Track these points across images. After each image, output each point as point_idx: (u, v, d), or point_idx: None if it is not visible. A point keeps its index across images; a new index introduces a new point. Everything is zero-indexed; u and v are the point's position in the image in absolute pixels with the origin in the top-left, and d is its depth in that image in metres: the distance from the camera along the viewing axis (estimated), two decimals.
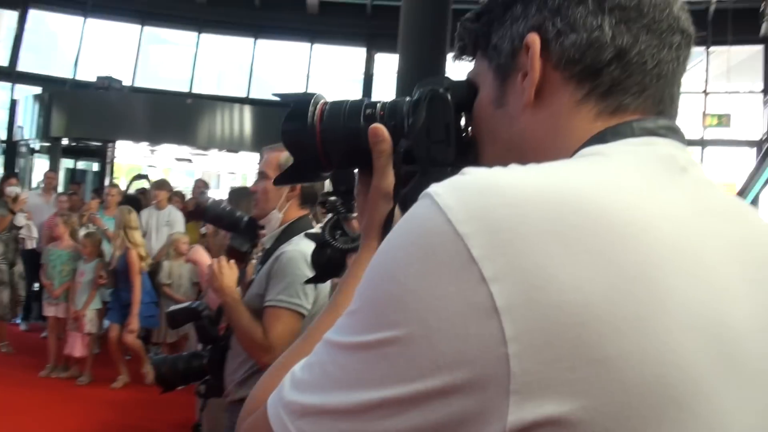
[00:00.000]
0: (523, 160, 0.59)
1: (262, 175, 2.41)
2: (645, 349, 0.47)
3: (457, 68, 0.81)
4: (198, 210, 2.53)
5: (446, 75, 0.81)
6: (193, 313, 2.51)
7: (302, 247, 2.24)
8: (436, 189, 0.54)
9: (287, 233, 2.35)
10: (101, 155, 11.47)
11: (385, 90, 14.76)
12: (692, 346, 0.49)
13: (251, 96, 14.69)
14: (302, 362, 0.60)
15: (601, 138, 0.63)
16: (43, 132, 11.69)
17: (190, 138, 11.57)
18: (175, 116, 11.49)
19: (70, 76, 13.47)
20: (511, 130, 0.70)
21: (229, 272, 2.26)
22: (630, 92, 0.65)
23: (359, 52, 15.41)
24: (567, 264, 0.48)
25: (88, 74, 12.97)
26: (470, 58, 0.79)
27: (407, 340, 0.50)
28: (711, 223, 0.57)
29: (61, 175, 11.61)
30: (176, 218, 6.95)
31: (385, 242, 0.56)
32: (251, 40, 15.13)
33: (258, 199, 2.41)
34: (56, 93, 12.19)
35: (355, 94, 14.70)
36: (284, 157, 2.34)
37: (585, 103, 0.66)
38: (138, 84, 14.11)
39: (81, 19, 13.92)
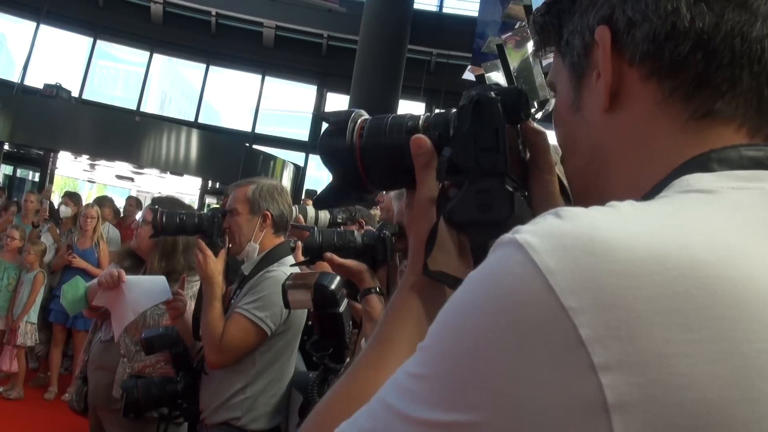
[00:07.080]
0: (605, 172, 0.57)
1: (232, 211, 2.50)
2: None
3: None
4: (156, 228, 2.55)
5: (496, 83, 0.82)
6: (171, 339, 2.54)
7: (288, 270, 2.31)
8: (529, 239, 0.44)
9: (266, 260, 2.45)
10: (42, 164, 11.25)
11: None
12: None
13: (200, 121, 14.76)
14: (354, 422, 0.52)
15: (704, 165, 0.53)
16: None
17: (134, 156, 11.47)
18: (120, 133, 11.36)
19: (18, 81, 13.18)
20: (591, 139, 0.63)
21: (213, 261, 2.34)
22: (719, 90, 0.55)
23: (310, 90, 15.69)
24: (688, 354, 0.40)
25: (36, 80, 12.72)
26: (547, 54, 0.70)
27: (489, 429, 0.42)
28: None
29: None
30: (114, 236, 6.82)
31: (463, 296, 0.47)
32: (203, 65, 15.22)
33: (232, 235, 2.47)
34: (2, 97, 11.90)
35: (305, 130, 14.97)
36: (251, 190, 2.49)
37: (668, 105, 0.57)
38: (86, 97, 13.95)
39: (33, 24, 13.72)
